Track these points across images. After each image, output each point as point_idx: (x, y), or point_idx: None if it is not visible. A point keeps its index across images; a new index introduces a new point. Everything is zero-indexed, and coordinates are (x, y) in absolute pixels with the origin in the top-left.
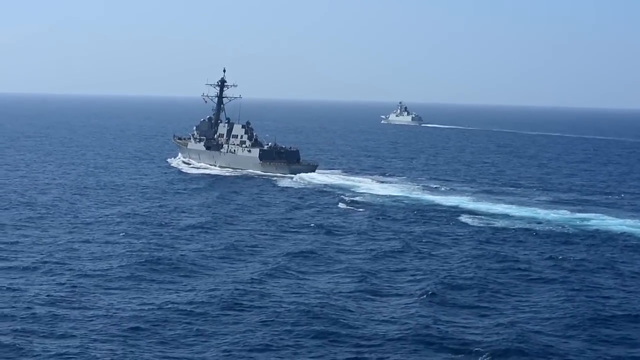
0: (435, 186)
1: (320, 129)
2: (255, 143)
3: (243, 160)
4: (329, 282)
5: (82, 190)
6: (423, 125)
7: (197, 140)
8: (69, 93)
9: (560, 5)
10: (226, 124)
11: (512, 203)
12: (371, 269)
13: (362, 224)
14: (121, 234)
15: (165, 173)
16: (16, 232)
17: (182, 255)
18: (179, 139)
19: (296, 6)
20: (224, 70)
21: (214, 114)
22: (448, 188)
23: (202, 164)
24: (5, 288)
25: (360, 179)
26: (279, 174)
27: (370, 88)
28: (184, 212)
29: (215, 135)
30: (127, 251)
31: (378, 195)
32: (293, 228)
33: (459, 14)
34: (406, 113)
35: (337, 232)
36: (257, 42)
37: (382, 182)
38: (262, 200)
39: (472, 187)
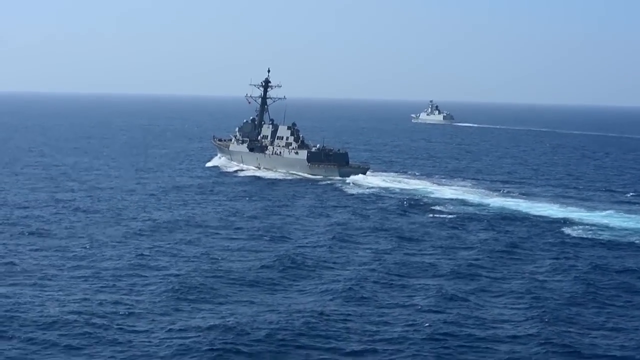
0: (508, 190)
1: (359, 128)
2: (302, 145)
3: (290, 162)
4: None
5: (148, 196)
6: (455, 124)
7: (240, 141)
8: (98, 92)
9: None
10: (270, 125)
11: (608, 209)
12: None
13: (457, 234)
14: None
15: (210, 175)
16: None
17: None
18: (219, 140)
19: (318, 5)
20: (269, 71)
21: (257, 115)
22: (523, 192)
23: (245, 166)
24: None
25: (418, 181)
26: (328, 177)
27: (396, 86)
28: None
29: (259, 137)
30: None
31: (453, 201)
32: (373, 236)
33: (479, 12)
34: (437, 112)
35: (434, 244)
36: (283, 43)
37: (446, 185)
38: (329, 205)
39: (548, 191)
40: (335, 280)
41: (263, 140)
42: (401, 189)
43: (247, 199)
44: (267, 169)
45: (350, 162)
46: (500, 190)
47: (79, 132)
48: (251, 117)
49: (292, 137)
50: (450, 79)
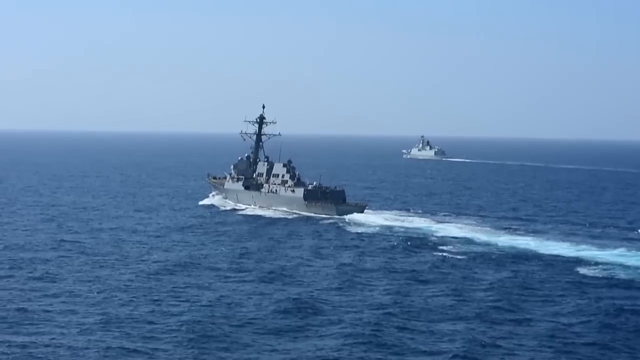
0: (515, 227)
1: (352, 165)
2: (298, 182)
3: (286, 200)
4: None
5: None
6: (446, 159)
7: (235, 179)
8: (87, 129)
9: (584, 30)
10: (266, 163)
11: (619, 247)
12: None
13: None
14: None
15: (208, 213)
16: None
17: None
18: (214, 178)
19: (303, 39)
20: (263, 107)
21: (252, 152)
22: (530, 229)
23: (241, 205)
24: None
25: (421, 219)
26: (325, 215)
27: (385, 122)
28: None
29: (254, 175)
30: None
31: (460, 239)
32: (385, 277)
33: (471, 47)
34: (429, 147)
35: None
36: (274, 79)
37: (449, 222)
38: (333, 245)
39: (554, 228)
40: (355, 324)
41: (258, 178)
42: (405, 228)
43: (250, 239)
44: (263, 207)
45: (347, 200)
46: (507, 229)
47: (72, 170)
48: (246, 155)
49: (288, 175)
50: (440, 114)
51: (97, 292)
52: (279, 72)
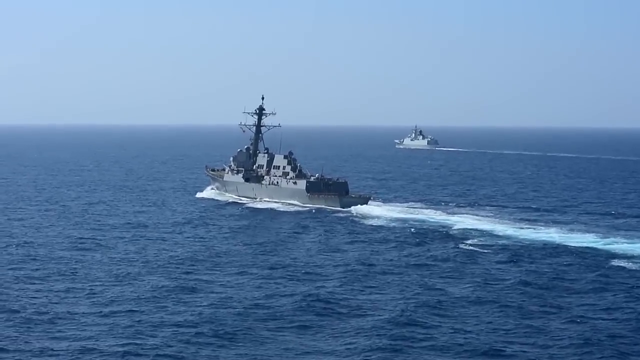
0: (533, 219)
1: (346, 156)
2: (300, 174)
3: (288, 192)
4: None
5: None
6: (439, 148)
7: (235, 171)
8: (75, 123)
9: (575, 19)
10: (266, 154)
11: None
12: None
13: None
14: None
15: (209, 206)
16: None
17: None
18: (212, 170)
19: (293, 27)
20: (262, 98)
21: (251, 144)
22: (550, 220)
23: (241, 197)
24: None
25: (430, 211)
26: (329, 207)
27: (374, 112)
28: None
29: (254, 167)
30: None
31: (476, 231)
32: (402, 272)
33: (463, 38)
34: (421, 137)
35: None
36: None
37: (462, 214)
38: (342, 238)
39: (574, 219)
40: (377, 321)
41: (259, 170)
42: (418, 220)
43: (259, 232)
44: (264, 200)
45: (350, 192)
46: (526, 220)
47: (68, 164)
48: (245, 147)
49: (289, 167)
50: (430, 104)
51: (116, 285)
52: (269, 63)
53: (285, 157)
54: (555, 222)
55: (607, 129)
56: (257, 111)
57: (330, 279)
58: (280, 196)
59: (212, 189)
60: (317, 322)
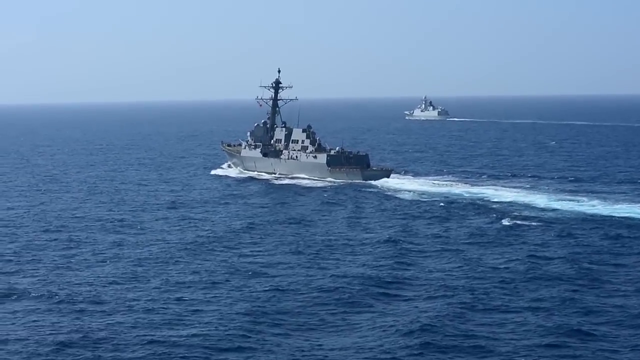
0: (573, 189)
1: (358, 128)
2: (319, 148)
3: (308, 167)
4: None
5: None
6: (450, 119)
7: (253, 146)
8: (85, 101)
9: None
10: (284, 129)
11: None
12: None
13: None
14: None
15: (231, 183)
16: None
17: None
18: (228, 145)
19: (297, 4)
20: (279, 71)
21: (268, 118)
22: (590, 191)
23: (259, 172)
24: None
25: (460, 184)
26: (350, 181)
27: (378, 83)
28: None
29: (272, 141)
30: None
31: (520, 205)
32: (452, 247)
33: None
34: (431, 108)
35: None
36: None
37: (496, 186)
38: (376, 214)
39: (620, 189)
40: (425, 304)
41: (277, 144)
42: (449, 193)
43: (285, 209)
44: (283, 175)
45: (371, 165)
46: (564, 191)
47: (87, 142)
48: (262, 121)
49: (308, 140)
50: (434, 74)
51: (154, 263)
52: (280, 37)
53: (304, 130)
54: (595, 193)
55: (610, 95)
56: (274, 85)
57: (369, 260)
58: (300, 170)
59: (230, 165)
60: (365, 304)
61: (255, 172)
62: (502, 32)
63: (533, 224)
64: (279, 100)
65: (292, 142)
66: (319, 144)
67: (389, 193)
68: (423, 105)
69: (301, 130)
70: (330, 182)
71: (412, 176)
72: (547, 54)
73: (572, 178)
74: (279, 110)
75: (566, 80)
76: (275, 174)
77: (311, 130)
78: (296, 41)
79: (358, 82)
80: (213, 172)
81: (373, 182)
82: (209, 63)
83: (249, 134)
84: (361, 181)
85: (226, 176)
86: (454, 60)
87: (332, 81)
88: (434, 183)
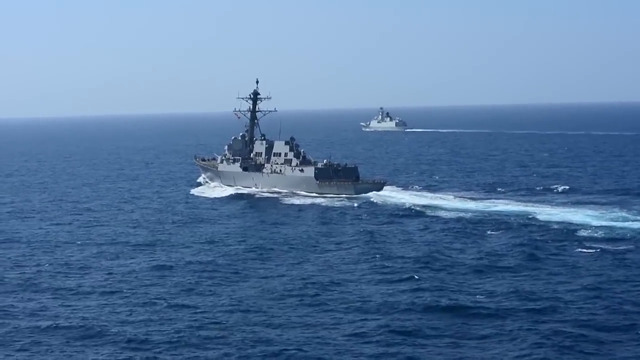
0: (593, 202)
1: (324, 140)
2: (304, 161)
3: (295, 181)
4: None
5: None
6: (408, 130)
7: (231, 160)
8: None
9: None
10: (264, 141)
11: None
12: None
13: None
14: None
15: (214, 200)
16: None
17: None
18: (203, 160)
19: (252, 15)
20: (257, 82)
21: (247, 131)
22: (595, 205)
23: (238, 187)
24: None
25: (467, 198)
26: (341, 195)
27: (331, 95)
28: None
29: (252, 155)
30: None
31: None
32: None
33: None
34: (389, 118)
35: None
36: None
37: (496, 199)
38: (383, 231)
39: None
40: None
41: (257, 158)
42: (453, 208)
43: (283, 227)
44: (266, 190)
45: (361, 178)
46: (586, 203)
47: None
48: (240, 134)
49: (292, 153)
50: (385, 85)
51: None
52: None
53: (286, 143)
54: (614, 204)
55: (559, 104)
56: (252, 96)
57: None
58: (286, 185)
59: (205, 180)
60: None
61: (234, 188)
62: (454, 43)
63: (555, 240)
64: (258, 111)
65: (274, 155)
66: (304, 157)
67: (390, 209)
68: (380, 117)
69: (283, 142)
70: (319, 195)
71: (407, 189)
72: (500, 64)
73: (592, 190)
74: (258, 123)
75: (519, 90)
76: (257, 188)
77: (294, 142)
78: (270, 52)
79: (305, 94)
80: (194, 190)
81: (369, 196)
82: (185, 77)
83: (226, 147)
84: (353, 195)
85: (203, 192)
86: (405, 70)
87: (283, 92)
88: (434, 196)
